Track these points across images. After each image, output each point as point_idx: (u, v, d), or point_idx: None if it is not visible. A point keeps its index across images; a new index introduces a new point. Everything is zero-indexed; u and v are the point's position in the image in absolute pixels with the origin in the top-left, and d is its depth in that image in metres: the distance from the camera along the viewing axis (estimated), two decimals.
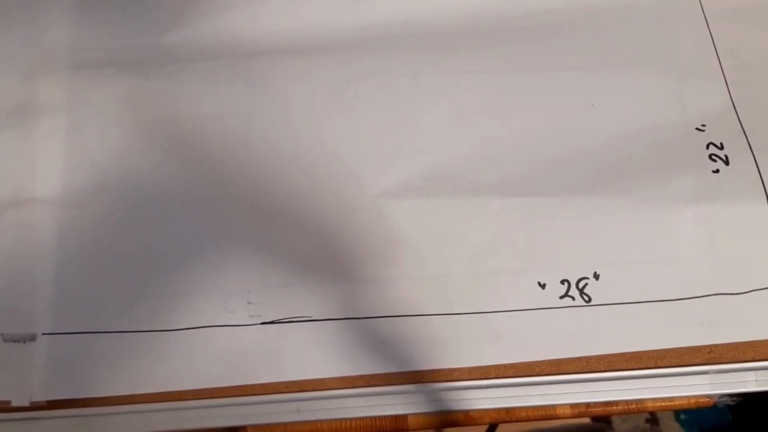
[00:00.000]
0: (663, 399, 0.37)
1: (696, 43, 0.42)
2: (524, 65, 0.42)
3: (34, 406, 0.35)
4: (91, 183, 0.39)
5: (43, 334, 0.36)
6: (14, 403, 0.35)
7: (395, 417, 0.37)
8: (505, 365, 0.36)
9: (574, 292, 0.37)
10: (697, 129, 0.40)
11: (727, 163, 0.39)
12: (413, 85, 0.41)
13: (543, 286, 0.37)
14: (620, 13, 0.43)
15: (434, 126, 0.40)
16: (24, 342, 0.36)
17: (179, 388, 0.36)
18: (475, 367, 0.36)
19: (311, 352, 0.36)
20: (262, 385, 0.36)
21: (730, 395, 0.36)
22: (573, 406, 0.37)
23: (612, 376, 0.37)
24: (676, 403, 0.38)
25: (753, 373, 0.36)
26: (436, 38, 0.42)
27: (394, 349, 0.36)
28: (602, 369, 0.37)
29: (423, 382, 0.36)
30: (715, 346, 0.37)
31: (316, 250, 0.38)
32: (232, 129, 0.40)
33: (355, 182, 0.39)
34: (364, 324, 0.37)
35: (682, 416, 0.80)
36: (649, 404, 0.38)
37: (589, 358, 0.37)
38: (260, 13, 0.43)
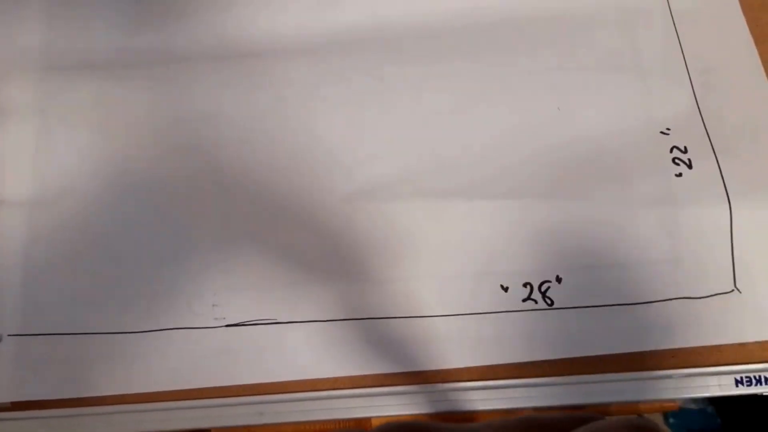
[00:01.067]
0: (628, 403, 0.37)
1: (663, 46, 0.42)
2: (489, 69, 0.42)
3: None
4: (59, 185, 0.39)
5: (9, 335, 0.36)
6: None
7: (358, 420, 0.37)
8: (468, 368, 0.36)
9: (536, 295, 0.37)
10: (661, 132, 0.40)
11: (690, 166, 0.39)
12: (379, 87, 0.41)
13: (506, 289, 0.37)
14: (587, 16, 0.43)
15: (399, 128, 0.40)
16: None
17: (144, 390, 0.36)
18: (437, 370, 0.36)
19: (275, 355, 0.36)
20: (226, 387, 0.36)
21: (694, 400, 0.36)
22: (536, 409, 0.37)
23: (576, 380, 0.36)
24: (641, 407, 0.38)
25: (716, 377, 0.36)
26: (402, 41, 0.42)
27: (356, 351, 0.36)
28: (566, 372, 0.36)
29: (385, 385, 0.36)
30: (679, 350, 0.37)
31: (281, 253, 0.38)
32: (200, 132, 0.40)
33: (322, 185, 0.39)
34: (327, 327, 0.37)
35: (671, 420, 0.80)
36: (614, 408, 0.38)
37: (552, 362, 0.36)
38: (226, 18, 0.43)
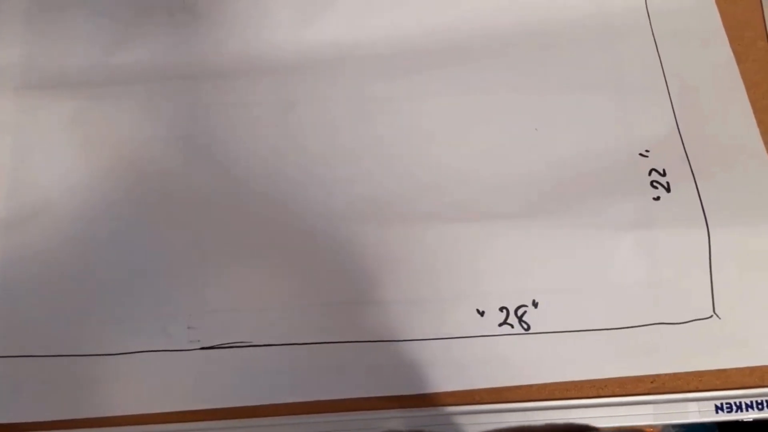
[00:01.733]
0: (607, 429, 0.37)
1: (643, 65, 0.42)
2: (467, 88, 0.41)
3: None
4: (34, 204, 0.39)
5: None
6: None
7: None
8: (444, 393, 0.36)
9: (513, 319, 0.37)
10: (640, 155, 0.40)
11: (668, 190, 0.39)
12: (356, 108, 0.41)
13: (482, 314, 0.37)
14: (566, 34, 0.43)
15: (375, 150, 0.40)
16: None
17: (117, 413, 0.36)
18: (413, 395, 0.36)
19: (251, 378, 0.36)
20: (201, 410, 0.36)
21: (673, 426, 0.36)
22: None
23: (553, 405, 0.36)
24: None
25: (696, 403, 0.36)
26: (381, 61, 0.42)
27: (331, 375, 0.36)
28: (543, 398, 0.36)
29: (360, 410, 0.36)
30: (658, 375, 0.36)
31: (256, 275, 0.38)
32: (176, 152, 0.40)
33: (296, 206, 0.39)
34: (302, 350, 0.37)
35: None
36: None
37: (529, 387, 0.36)
38: (205, 35, 0.43)
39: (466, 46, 0.42)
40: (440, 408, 0.36)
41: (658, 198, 0.39)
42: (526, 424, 0.36)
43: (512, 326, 0.36)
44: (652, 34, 0.43)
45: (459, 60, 0.42)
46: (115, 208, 0.39)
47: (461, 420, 0.36)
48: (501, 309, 0.37)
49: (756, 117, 0.41)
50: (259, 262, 0.38)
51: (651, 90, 0.41)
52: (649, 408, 0.36)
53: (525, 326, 0.36)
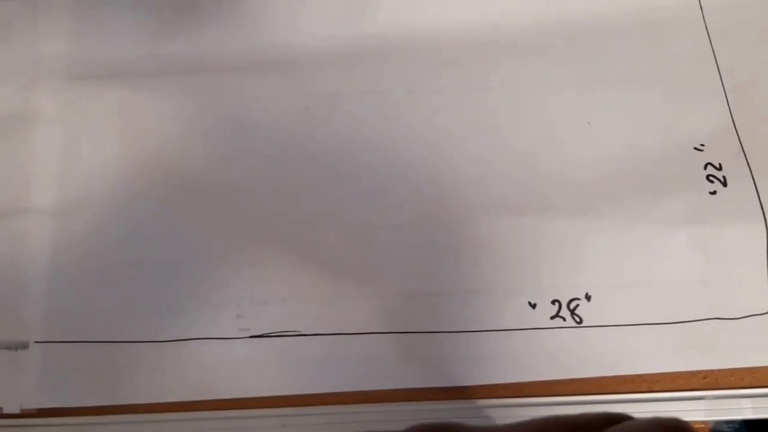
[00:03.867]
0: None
1: (698, 60, 0.42)
2: (520, 82, 0.41)
3: (25, 414, 0.36)
4: (84, 194, 0.39)
5: (36, 342, 0.37)
6: (5, 410, 0.36)
7: None
8: (494, 385, 0.36)
9: (565, 312, 0.36)
10: (695, 149, 0.39)
11: (725, 184, 0.38)
12: (406, 100, 0.41)
13: (534, 306, 0.37)
14: (620, 29, 0.42)
15: (426, 142, 0.40)
16: (16, 350, 0.36)
17: (167, 400, 0.36)
18: (463, 387, 0.36)
19: (299, 367, 0.36)
20: (248, 399, 0.36)
21: (727, 422, 0.36)
22: None
23: (604, 399, 0.36)
24: None
25: (750, 400, 0.35)
26: (430, 54, 0.42)
27: (382, 366, 0.36)
28: (594, 392, 0.36)
29: (409, 401, 0.36)
30: (711, 371, 0.36)
31: (306, 265, 0.38)
32: (224, 142, 0.40)
33: (348, 199, 0.39)
34: (352, 340, 0.37)
35: None
36: None
37: (581, 380, 0.36)
38: (253, 27, 0.43)
39: (519, 40, 0.42)
40: (489, 400, 0.36)
41: (714, 192, 0.38)
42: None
43: (564, 319, 0.36)
44: (706, 28, 0.42)
45: (512, 54, 0.42)
46: (165, 198, 0.39)
47: (510, 413, 0.36)
48: (553, 302, 0.36)
49: None
50: (310, 252, 0.38)
51: (705, 84, 0.41)
52: (701, 404, 0.36)
53: (577, 319, 0.36)
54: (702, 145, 0.39)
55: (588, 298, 0.36)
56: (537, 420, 0.21)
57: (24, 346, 0.37)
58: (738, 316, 0.36)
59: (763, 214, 0.37)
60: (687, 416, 0.36)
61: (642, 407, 0.36)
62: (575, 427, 0.21)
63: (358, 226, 0.38)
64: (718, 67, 0.41)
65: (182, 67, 0.42)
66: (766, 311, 0.36)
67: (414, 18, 0.43)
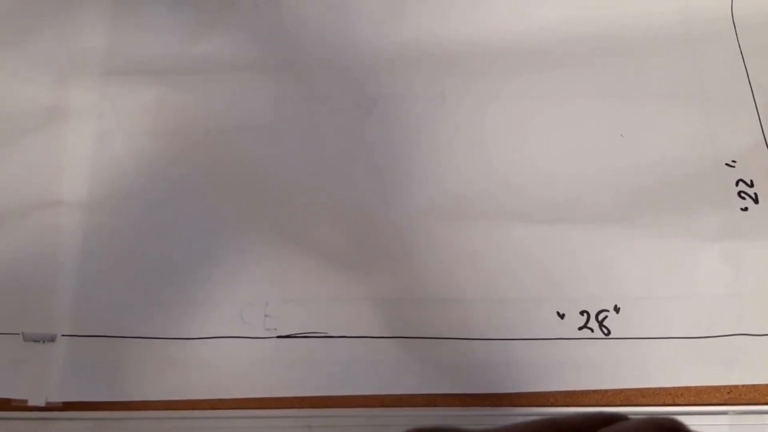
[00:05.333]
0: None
1: (730, 76, 0.42)
2: (553, 92, 0.41)
3: (50, 407, 0.36)
4: (116, 188, 0.39)
5: (63, 335, 0.37)
6: (30, 403, 0.36)
7: None
8: (518, 394, 0.36)
9: (593, 323, 0.37)
10: (727, 165, 0.39)
11: (756, 201, 0.39)
12: (440, 106, 0.41)
13: (562, 316, 0.37)
14: (654, 43, 0.42)
15: (459, 148, 0.40)
16: (43, 342, 0.37)
17: (193, 397, 0.36)
18: (488, 394, 0.36)
19: (325, 369, 0.36)
20: (274, 398, 0.36)
21: None
22: None
23: (628, 412, 0.36)
24: None
25: None
26: (465, 60, 0.42)
27: (408, 370, 0.36)
28: (618, 403, 0.36)
29: (434, 406, 0.36)
30: (735, 386, 0.36)
31: (335, 267, 0.38)
32: (258, 141, 0.40)
33: (378, 200, 0.39)
34: (379, 343, 0.37)
35: None
36: None
37: (605, 392, 0.36)
38: (288, 28, 0.43)
39: (554, 51, 0.42)
40: (512, 408, 0.36)
41: (746, 209, 0.38)
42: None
43: (592, 330, 0.36)
44: (738, 43, 0.42)
45: (546, 64, 0.42)
46: (196, 195, 0.39)
47: None
48: (582, 313, 0.37)
49: None
50: (339, 254, 0.38)
51: (737, 100, 0.41)
52: (725, 419, 0.36)
53: (605, 331, 0.36)
54: (734, 161, 0.40)
55: (617, 309, 0.37)
56: (533, 421, 0.21)
57: (51, 338, 0.37)
58: (764, 333, 0.36)
59: None
60: (710, 430, 0.36)
61: None
62: (571, 427, 0.21)
63: (388, 231, 0.39)
64: (750, 83, 0.41)
65: (219, 66, 0.42)
66: None
67: (442, 26, 0.43)
